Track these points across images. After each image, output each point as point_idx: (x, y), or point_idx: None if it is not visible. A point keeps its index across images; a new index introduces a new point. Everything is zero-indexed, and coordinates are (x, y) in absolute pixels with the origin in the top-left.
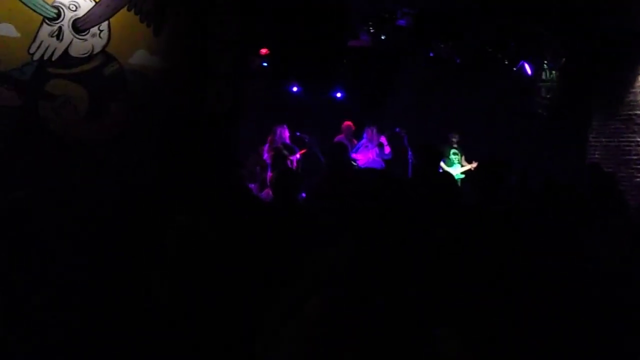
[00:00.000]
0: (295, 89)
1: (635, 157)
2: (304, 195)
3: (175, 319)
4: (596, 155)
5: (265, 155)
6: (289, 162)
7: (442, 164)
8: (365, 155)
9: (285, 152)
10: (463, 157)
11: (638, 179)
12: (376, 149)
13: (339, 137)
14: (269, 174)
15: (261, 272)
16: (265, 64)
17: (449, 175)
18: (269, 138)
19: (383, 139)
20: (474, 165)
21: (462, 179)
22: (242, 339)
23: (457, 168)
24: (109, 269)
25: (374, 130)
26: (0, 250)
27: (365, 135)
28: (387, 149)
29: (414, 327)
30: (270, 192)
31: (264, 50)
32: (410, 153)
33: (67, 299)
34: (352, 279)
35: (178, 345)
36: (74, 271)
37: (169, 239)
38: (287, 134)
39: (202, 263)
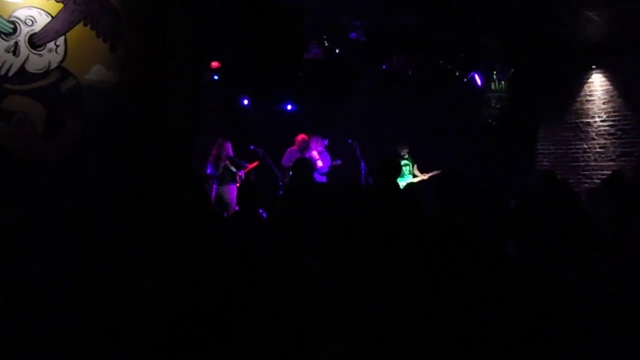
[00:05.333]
0: (245, 102)
1: (583, 164)
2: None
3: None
4: (545, 163)
5: (209, 169)
6: (237, 177)
7: None
8: None
9: (232, 168)
10: (415, 167)
11: (586, 185)
12: None
13: (291, 149)
14: (214, 187)
15: (232, 285)
16: (216, 77)
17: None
18: (213, 151)
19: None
20: (429, 175)
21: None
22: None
23: (408, 179)
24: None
25: (309, 142)
26: None
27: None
28: (321, 163)
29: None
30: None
31: (215, 64)
32: (362, 164)
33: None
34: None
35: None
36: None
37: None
38: (230, 147)
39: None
